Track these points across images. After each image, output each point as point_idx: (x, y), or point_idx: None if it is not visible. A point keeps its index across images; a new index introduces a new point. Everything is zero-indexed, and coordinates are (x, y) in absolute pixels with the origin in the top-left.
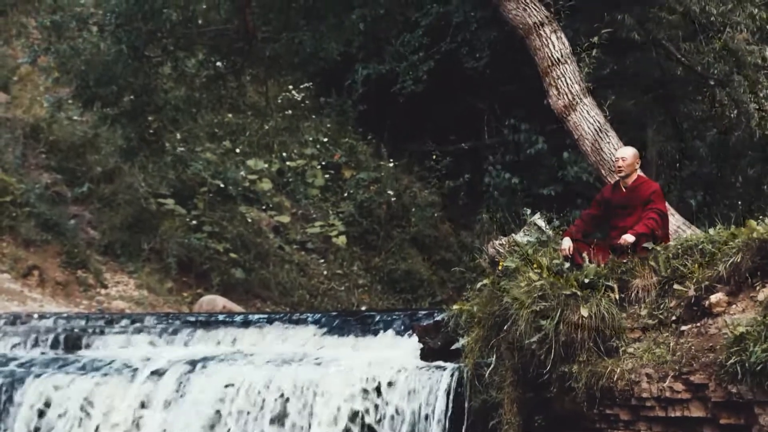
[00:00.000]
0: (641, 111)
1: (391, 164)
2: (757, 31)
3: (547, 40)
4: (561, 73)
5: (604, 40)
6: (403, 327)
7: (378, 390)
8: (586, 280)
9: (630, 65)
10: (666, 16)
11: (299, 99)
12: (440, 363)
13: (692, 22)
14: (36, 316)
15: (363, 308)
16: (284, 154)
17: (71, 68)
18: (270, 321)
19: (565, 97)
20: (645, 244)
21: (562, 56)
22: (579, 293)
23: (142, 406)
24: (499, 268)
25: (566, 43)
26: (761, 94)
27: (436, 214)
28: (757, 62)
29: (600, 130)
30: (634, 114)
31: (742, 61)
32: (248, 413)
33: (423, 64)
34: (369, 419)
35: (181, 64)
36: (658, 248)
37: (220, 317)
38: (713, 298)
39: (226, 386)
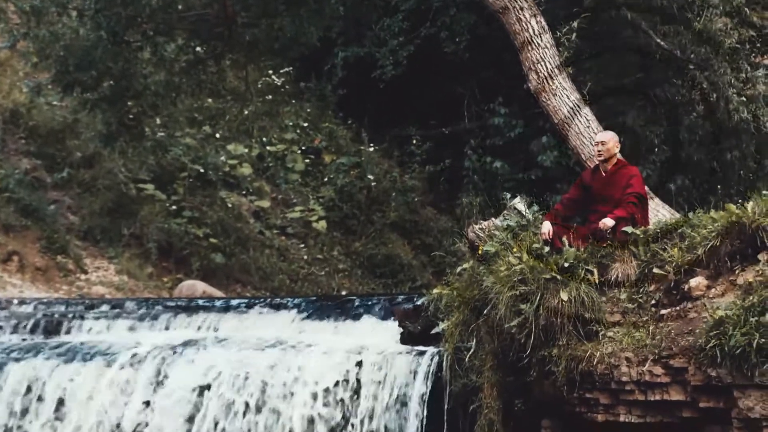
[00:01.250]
0: (621, 95)
1: (372, 149)
2: (735, 15)
3: (526, 24)
4: (540, 56)
5: (584, 24)
6: (383, 311)
7: (358, 374)
8: (566, 264)
9: (609, 48)
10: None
11: (279, 84)
12: (420, 347)
13: (671, 6)
14: (16, 301)
15: (343, 293)
16: (264, 139)
17: (50, 53)
18: (250, 306)
19: (544, 81)
20: (624, 228)
21: (541, 40)
22: (559, 277)
23: (123, 391)
24: (479, 252)
25: (545, 27)
26: (740, 77)
27: (416, 199)
28: (736, 46)
29: (579, 113)
30: (613, 98)
31: (720, 44)
32: (228, 398)
33: (403, 48)
34: (348, 404)
35: (161, 49)
36: (638, 232)
37: (201, 302)
38: (693, 282)
39: (207, 371)
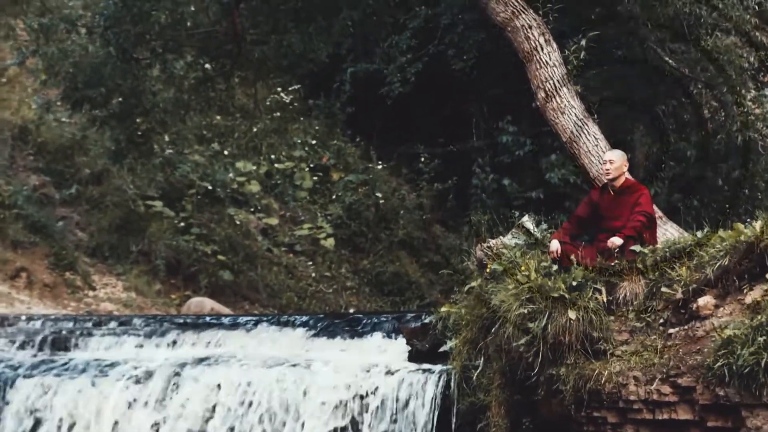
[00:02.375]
0: (628, 112)
1: (380, 166)
2: (745, 35)
3: (534, 42)
4: (548, 75)
5: (592, 43)
6: (391, 329)
7: (365, 392)
8: (574, 283)
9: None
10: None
11: (288, 101)
12: (428, 365)
13: (681, 25)
14: (24, 317)
15: (351, 310)
16: (272, 157)
17: (59, 70)
18: (258, 323)
19: (552, 99)
20: (633, 247)
21: (549, 59)
22: (567, 296)
23: (131, 407)
24: (487, 270)
25: (554, 45)
26: (748, 97)
27: (424, 217)
28: (743, 66)
29: (587, 132)
30: (621, 116)
31: (729, 64)
32: (236, 415)
33: (411, 66)
34: (356, 422)
35: (170, 66)
36: (646, 251)
37: (208, 319)
38: (701, 301)
39: (214, 388)
